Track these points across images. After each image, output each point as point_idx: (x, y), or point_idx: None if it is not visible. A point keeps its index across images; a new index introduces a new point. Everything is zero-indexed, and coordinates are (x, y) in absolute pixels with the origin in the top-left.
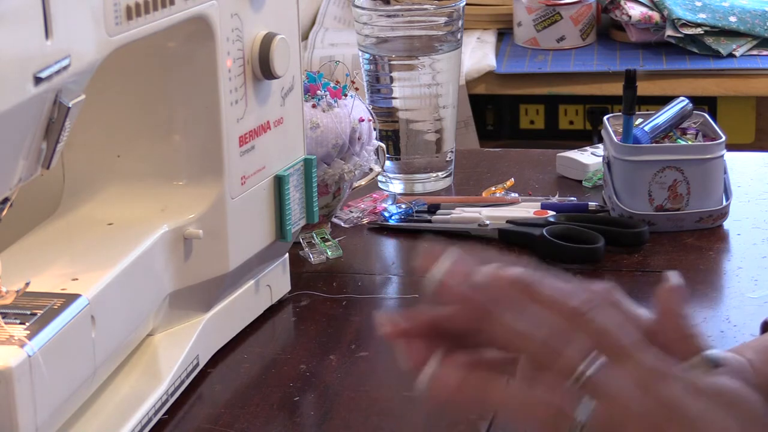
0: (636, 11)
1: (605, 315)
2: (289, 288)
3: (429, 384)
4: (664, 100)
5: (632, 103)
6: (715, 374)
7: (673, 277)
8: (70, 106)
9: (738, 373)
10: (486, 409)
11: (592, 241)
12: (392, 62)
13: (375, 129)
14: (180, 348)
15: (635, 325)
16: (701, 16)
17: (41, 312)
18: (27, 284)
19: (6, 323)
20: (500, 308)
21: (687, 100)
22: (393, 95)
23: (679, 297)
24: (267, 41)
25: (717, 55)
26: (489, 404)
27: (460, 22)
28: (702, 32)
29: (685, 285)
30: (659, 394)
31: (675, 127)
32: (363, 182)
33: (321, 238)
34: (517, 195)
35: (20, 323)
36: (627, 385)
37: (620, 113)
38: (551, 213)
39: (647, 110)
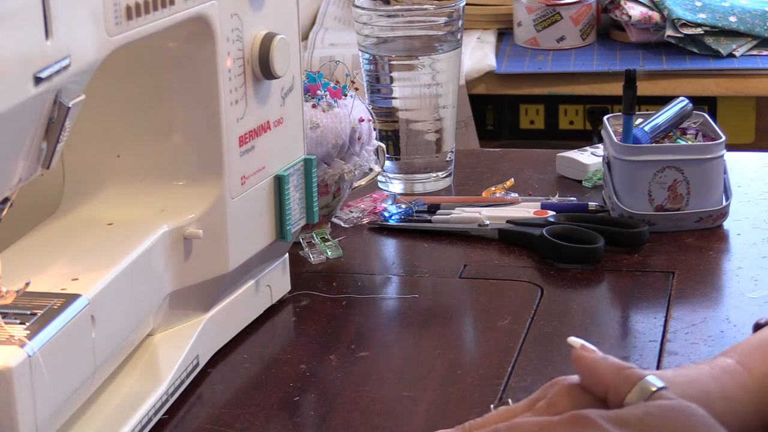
0: (636, 11)
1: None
2: (289, 288)
3: None
4: (664, 100)
5: (632, 103)
6: (654, 398)
7: (573, 341)
8: (70, 106)
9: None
10: None
11: (592, 241)
12: (392, 62)
13: (375, 129)
14: (180, 348)
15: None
16: (701, 16)
17: (41, 312)
18: (27, 284)
19: (6, 323)
20: None
21: (687, 100)
22: (393, 95)
23: (589, 350)
24: (267, 41)
25: (717, 55)
26: None
27: (460, 22)
28: (702, 32)
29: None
30: None
31: (675, 127)
32: (363, 182)
33: (321, 238)
34: (517, 195)
35: (20, 323)
36: None
37: (620, 113)
38: (551, 213)
39: (647, 110)
